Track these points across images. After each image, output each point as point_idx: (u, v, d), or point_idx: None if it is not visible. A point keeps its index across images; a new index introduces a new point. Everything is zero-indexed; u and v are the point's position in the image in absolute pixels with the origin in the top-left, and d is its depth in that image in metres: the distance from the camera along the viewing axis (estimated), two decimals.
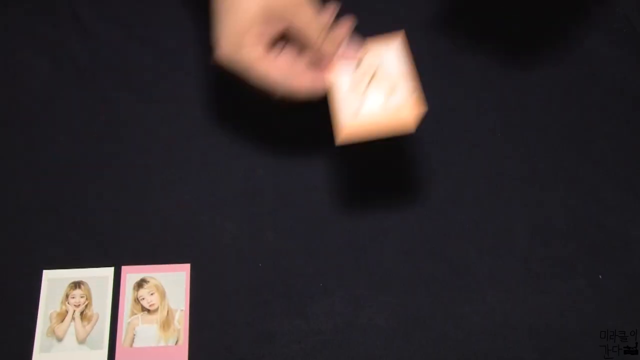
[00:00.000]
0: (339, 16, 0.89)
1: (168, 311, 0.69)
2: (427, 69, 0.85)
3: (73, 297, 0.69)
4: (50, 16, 0.87)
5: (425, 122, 0.81)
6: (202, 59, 0.85)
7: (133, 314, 0.69)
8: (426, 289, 0.71)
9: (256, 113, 0.80)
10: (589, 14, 0.90)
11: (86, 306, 0.69)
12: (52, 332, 0.68)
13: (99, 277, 0.71)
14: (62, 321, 0.68)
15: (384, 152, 0.79)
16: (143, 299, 0.70)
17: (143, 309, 0.69)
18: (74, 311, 0.69)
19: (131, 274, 0.71)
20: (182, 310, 0.69)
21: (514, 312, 0.70)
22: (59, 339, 0.68)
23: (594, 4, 0.91)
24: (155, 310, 0.69)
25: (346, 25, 0.65)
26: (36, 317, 0.68)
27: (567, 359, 0.67)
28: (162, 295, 0.70)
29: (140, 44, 0.86)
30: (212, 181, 0.77)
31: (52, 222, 0.73)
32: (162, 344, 0.68)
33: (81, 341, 0.68)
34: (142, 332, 0.68)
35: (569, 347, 0.68)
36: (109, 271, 0.71)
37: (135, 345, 0.68)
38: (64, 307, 0.69)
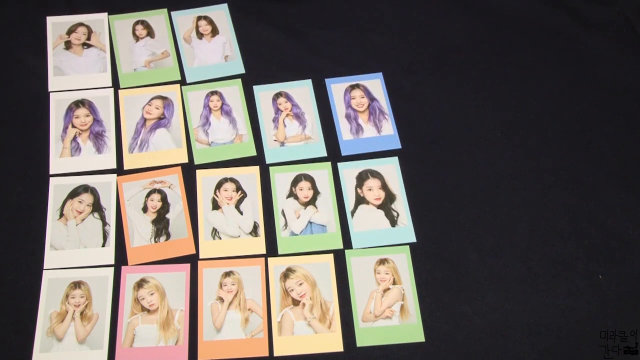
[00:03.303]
0: (343, 14, 0.89)
1: (168, 311, 0.69)
2: (427, 69, 0.86)
3: (73, 297, 0.69)
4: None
5: (425, 122, 0.82)
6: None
7: (133, 314, 0.69)
8: (426, 289, 0.71)
9: None
10: (589, 14, 0.90)
11: (86, 306, 0.69)
12: (52, 332, 0.68)
13: (99, 277, 0.71)
14: (62, 321, 0.68)
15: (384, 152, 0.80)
16: (143, 299, 0.70)
17: (143, 309, 0.69)
18: (74, 311, 0.69)
19: (131, 274, 0.71)
20: (182, 310, 0.69)
21: (514, 312, 0.70)
22: (59, 339, 0.68)
23: (594, 4, 0.91)
24: (155, 310, 0.69)
25: None
26: (36, 317, 0.68)
27: (567, 359, 0.67)
28: (162, 295, 0.70)
29: None
30: None
31: None
32: (162, 344, 0.68)
33: (81, 341, 0.68)
34: (142, 332, 0.68)
35: (569, 347, 0.68)
36: (109, 271, 0.71)
37: (135, 345, 0.68)
38: (64, 307, 0.69)
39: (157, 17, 0.88)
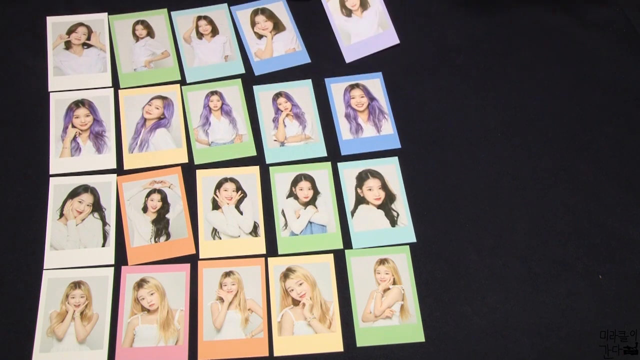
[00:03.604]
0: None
1: (168, 311, 0.69)
2: (427, 69, 0.86)
3: (73, 297, 0.69)
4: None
5: (426, 122, 0.82)
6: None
7: (133, 314, 0.69)
8: (426, 289, 0.71)
9: None
10: (589, 14, 0.90)
11: (86, 306, 0.69)
12: (52, 332, 0.68)
13: (99, 277, 0.71)
14: (62, 321, 0.68)
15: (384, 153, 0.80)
16: (143, 299, 0.70)
17: (143, 309, 0.69)
18: (74, 311, 0.69)
19: (131, 274, 0.71)
20: (182, 310, 0.69)
21: (514, 312, 0.70)
22: (59, 339, 0.68)
23: (594, 4, 0.91)
24: (155, 310, 0.69)
25: None
26: (36, 317, 0.68)
27: (567, 359, 0.67)
28: (162, 295, 0.70)
29: None
30: None
31: None
32: (162, 344, 0.68)
33: (81, 341, 0.68)
34: (142, 332, 0.68)
35: (569, 347, 0.68)
36: (109, 271, 0.71)
37: (135, 345, 0.68)
38: (64, 307, 0.69)
39: (157, 17, 0.88)
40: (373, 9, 0.87)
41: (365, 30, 0.86)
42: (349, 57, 0.84)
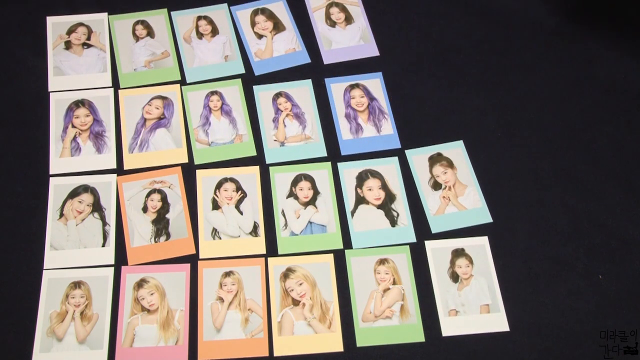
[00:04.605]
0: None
1: (168, 311, 0.69)
2: (427, 69, 0.86)
3: (73, 297, 0.69)
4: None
5: (425, 122, 0.82)
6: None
7: (133, 314, 0.69)
8: (426, 289, 0.71)
9: None
10: (588, 14, 0.90)
11: (86, 306, 0.69)
12: (52, 332, 0.68)
13: (99, 277, 0.71)
14: (62, 321, 0.68)
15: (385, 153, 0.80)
16: (143, 299, 0.70)
17: (143, 309, 0.69)
18: (74, 311, 0.69)
19: (131, 274, 0.71)
20: (182, 310, 0.69)
21: (514, 312, 0.70)
22: (59, 339, 0.68)
23: (593, 4, 0.91)
24: (155, 310, 0.69)
25: None
26: (36, 317, 0.68)
27: (567, 359, 0.67)
28: (162, 295, 0.70)
29: None
30: None
31: None
32: (162, 344, 0.68)
33: (81, 341, 0.68)
34: (142, 332, 0.68)
35: (569, 347, 0.68)
36: (109, 271, 0.71)
37: (135, 345, 0.68)
38: (64, 307, 0.69)
39: (157, 17, 0.88)
40: (357, 24, 0.87)
41: (346, 40, 0.86)
42: (327, 60, 0.85)
